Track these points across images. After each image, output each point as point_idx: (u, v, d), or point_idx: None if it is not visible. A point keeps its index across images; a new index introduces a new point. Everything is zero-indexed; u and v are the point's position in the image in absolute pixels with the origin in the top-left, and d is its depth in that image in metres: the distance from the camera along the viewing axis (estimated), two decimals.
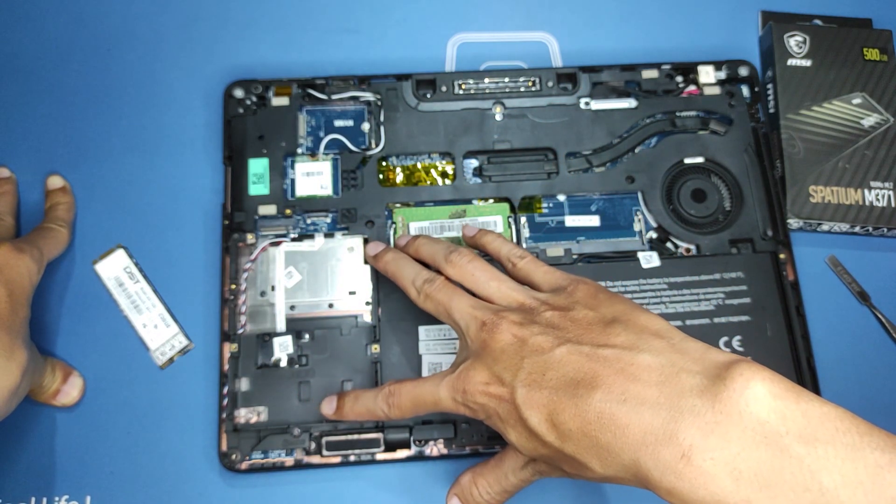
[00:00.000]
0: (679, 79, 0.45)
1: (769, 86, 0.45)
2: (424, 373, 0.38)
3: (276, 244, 0.40)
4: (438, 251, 0.35)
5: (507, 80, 0.44)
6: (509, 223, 0.42)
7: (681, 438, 0.22)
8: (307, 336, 0.39)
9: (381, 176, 0.42)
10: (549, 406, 0.26)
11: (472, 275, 0.33)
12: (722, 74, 0.45)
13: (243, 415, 0.37)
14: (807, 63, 0.45)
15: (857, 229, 0.43)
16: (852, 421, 0.22)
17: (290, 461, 0.37)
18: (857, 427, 0.21)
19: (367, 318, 0.39)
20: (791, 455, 0.21)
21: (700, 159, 0.43)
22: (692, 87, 0.45)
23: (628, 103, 0.44)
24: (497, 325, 0.29)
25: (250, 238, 0.40)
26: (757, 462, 0.21)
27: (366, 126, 0.43)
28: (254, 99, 0.43)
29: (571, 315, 0.29)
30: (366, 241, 0.40)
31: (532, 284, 0.33)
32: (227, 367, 0.38)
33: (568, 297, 0.31)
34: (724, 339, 0.39)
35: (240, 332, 0.39)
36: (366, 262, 0.40)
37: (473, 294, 0.33)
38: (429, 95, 0.44)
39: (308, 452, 0.37)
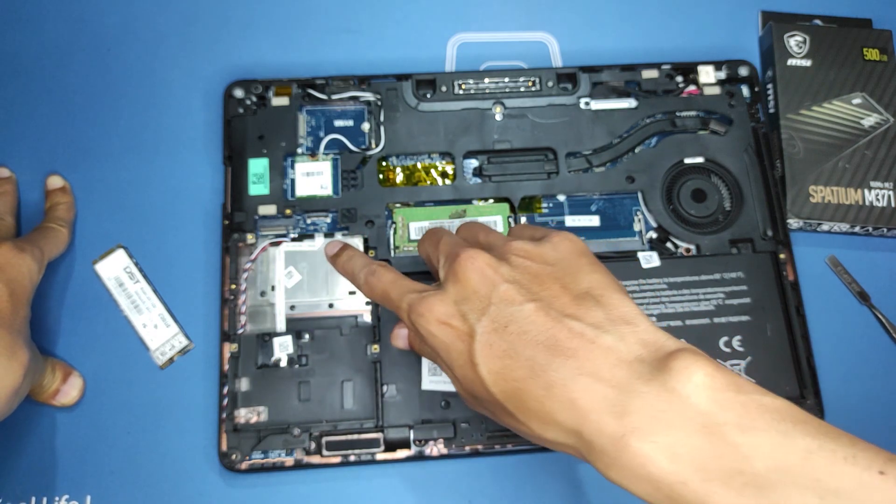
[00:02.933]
0: (679, 79, 0.45)
1: (769, 86, 0.45)
2: (425, 371, 0.38)
3: (276, 244, 0.40)
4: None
5: (507, 80, 0.44)
6: (509, 223, 0.42)
7: (625, 420, 0.23)
8: (307, 336, 0.39)
9: (381, 176, 0.42)
10: (504, 359, 0.26)
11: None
12: (722, 74, 0.45)
13: (243, 415, 0.37)
14: (807, 63, 0.45)
15: (857, 229, 0.43)
16: (789, 411, 0.23)
17: (290, 461, 0.37)
18: (793, 417, 0.23)
19: (367, 318, 0.39)
20: (728, 442, 0.22)
21: (700, 159, 0.43)
22: (692, 87, 0.45)
23: (628, 103, 0.44)
24: (470, 259, 0.29)
25: (250, 238, 0.40)
26: (695, 448, 0.22)
27: (366, 126, 0.43)
28: (254, 99, 0.43)
29: (550, 271, 0.29)
30: (350, 244, 0.38)
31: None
32: (227, 367, 0.38)
33: (552, 249, 0.30)
34: (724, 339, 0.39)
35: (240, 332, 0.39)
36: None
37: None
38: (429, 95, 0.44)
39: (308, 452, 0.37)
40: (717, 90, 0.44)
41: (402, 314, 0.30)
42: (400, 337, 0.34)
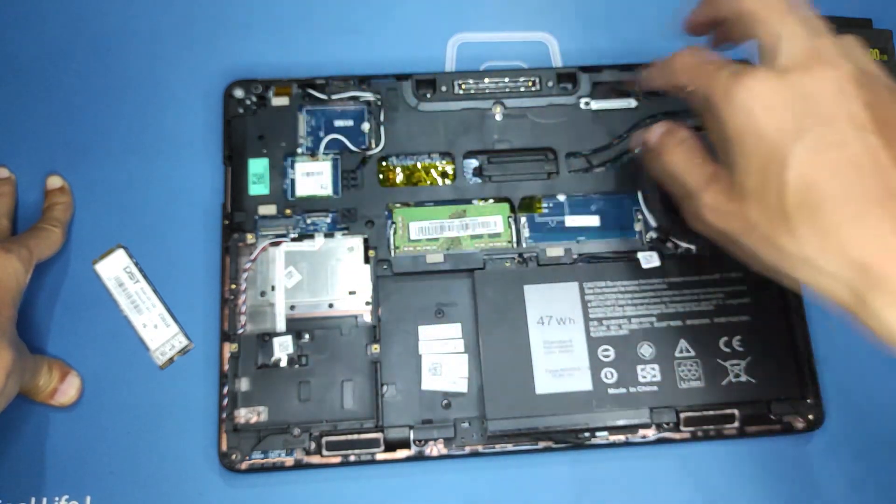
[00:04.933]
0: None
1: None
2: (425, 371, 0.38)
3: (276, 244, 0.40)
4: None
5: (507, 80, 0.44)
6: (509, 223, 0.42)
7: None
8: (307, 336, 0.39)
9: (381, 176, 0.42)
10: (822, 173, 0.24)
11: None
12: None
13: (243, 415, 0.37)
14: None
15: None
16: None
17: (290, 461, 0.37)
18: None
19: (367, 318, 0.39)
20: None
21: None
22: None
23: (628, 103, 0.44)
24: (836, 61, 0.27)
25: (250, 238, 0.40)
26: None
27: (366, 126, 0.43)
28: (254, 99, 0.43)
29: (869, 101, 0.25)
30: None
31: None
32: (227, 367, 0.38)
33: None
34: (724, 338, 0.39)
35: (240, 332, 0.39)
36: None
37: None
38: (429, 95, 0.44)
39: (308, 452, 0.37)
40: None
41: (715, 84, 0.28)
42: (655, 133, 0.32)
